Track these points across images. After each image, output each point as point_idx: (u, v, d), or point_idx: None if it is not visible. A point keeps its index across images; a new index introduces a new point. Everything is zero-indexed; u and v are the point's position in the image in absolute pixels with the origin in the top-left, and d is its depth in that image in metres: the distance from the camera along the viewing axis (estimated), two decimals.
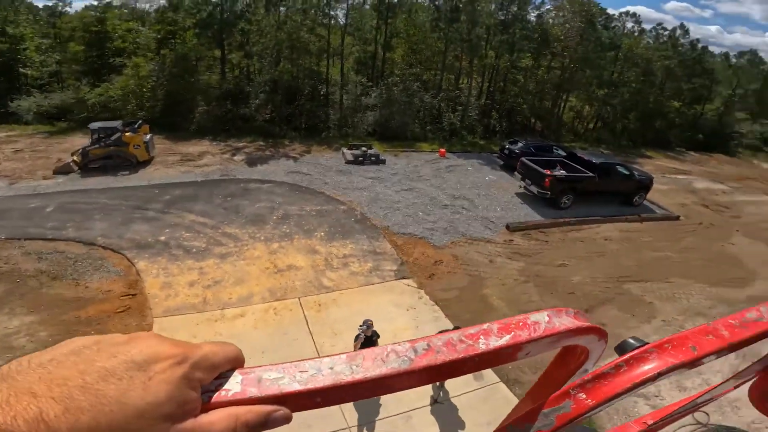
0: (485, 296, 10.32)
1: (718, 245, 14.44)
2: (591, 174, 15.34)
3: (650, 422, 1.05)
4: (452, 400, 7.29)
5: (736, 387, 1.03)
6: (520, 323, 0.48)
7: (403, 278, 10.61)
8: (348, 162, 17.49)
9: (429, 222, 13.47)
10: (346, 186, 15.38)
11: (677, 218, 16.29)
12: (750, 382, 0.97)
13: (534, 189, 15.24)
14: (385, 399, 6.98)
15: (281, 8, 21.84)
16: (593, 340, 0.53)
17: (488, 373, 7.78)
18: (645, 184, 16.36)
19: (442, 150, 20.12)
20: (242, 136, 19.52)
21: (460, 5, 23.21)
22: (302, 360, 0.41)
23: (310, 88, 21.94)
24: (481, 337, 0.46)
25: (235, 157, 17.36)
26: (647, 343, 0.53)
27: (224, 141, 18.89)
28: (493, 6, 25.23)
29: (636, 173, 16.52)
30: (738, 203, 19.04)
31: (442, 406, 7.18)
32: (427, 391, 7.37)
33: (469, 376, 8.02)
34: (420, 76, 24.53)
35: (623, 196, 16.16)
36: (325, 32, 22.59)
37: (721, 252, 14.01)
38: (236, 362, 0.41)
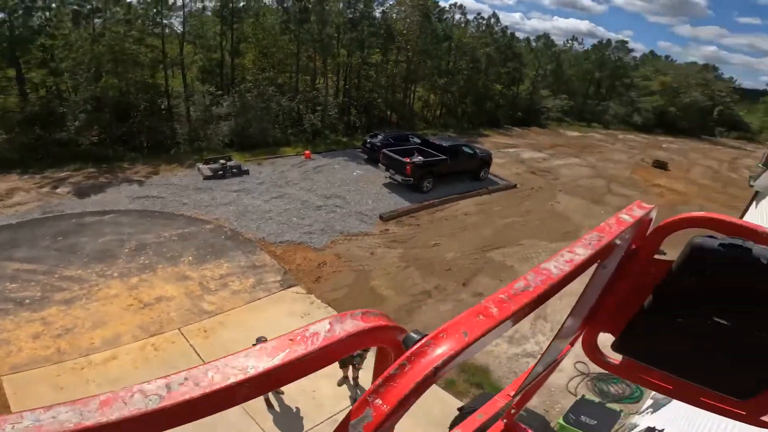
0: (374, 288, 10.70)
1: (549, 205, 17.53)
2: (443, 156, 17.04)
3: (512, 393, 1.21)
4: None
5: (572, 345, 1.25)
6: (298, 337, 0.47)
7: (290, 287, 10.40)
8: (206, 178, 16.09)
9: (305, 226, 13.32)
10: (209, 203, 14.18)
11: (515, 186, 19.26)
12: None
13: (398, 177, 16.32)
14: (305, 409, 6.80)
15: (96, 20, 18.73)
16: (395, 336, 0.52)
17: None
18: (486, 160, 18.89)
19: (307, 152, 19.99)
20: (63, 164, 16.25)
21: (309, 6, 23.16)
22: (22, 411, 0.35)
23: (147, 102, 19.39)
24: (252, 359, 0.43)
25: (58, 190, 14.42)
26: (425, 335, 0.51)
27: (39, 173, 15.50)
28: (342, 5, 25.82)
29: (478, 151, 18.94)
30: (555, 167, 23.35)
31: None
32: (344, 392, 7.40)
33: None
34: (275, 80, 23.79)
35: (471, 173, 18.40)
36: (158, 42, 20.17)
37: (552, 210, 17.05)
38: None
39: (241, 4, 24.35)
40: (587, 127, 40.41)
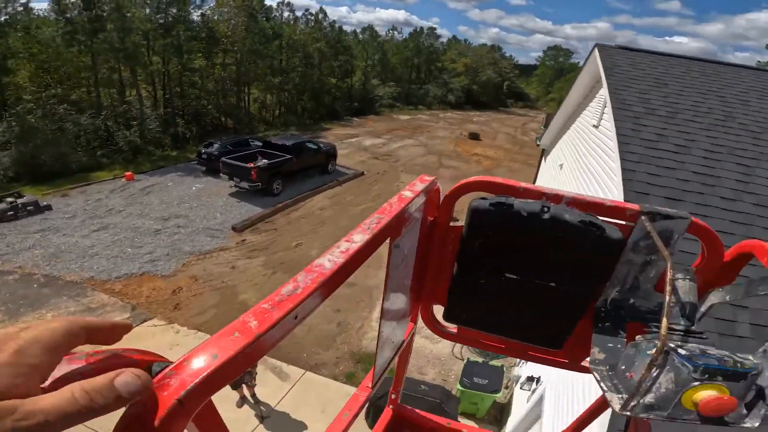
0: (244, 302, 10.04)
1: (395, 186, 18.91)
2: (289, 156, 16.79)
3: (369, 384, 1.21)
4: (276, 408, 7.12)
5: (414, 322, 1.26)
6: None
7: (145, 321, 9.12)
8: None
9: (144, 254, 11.63)
10: (4, 251, 11.19)
11: (362, 174, 20.21)
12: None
13: (245, 184, 15.46)
14: None
15: None
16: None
17: (291, 370, 7.91)
18: (332, 153, 19.31)
19: (129, 173, 17.28)
20: None
21: (104, 14, 19.64)
22: None
23: None
24: None
25: None
26: (168, 365, 0.44)
27: None
28: (148, 10, 22.64)
29: (322, 145, 19.21)
30: (394, 150, 25.27)
31: (271, 419, 6.90)
32: (248, 412, 6.84)
33: (275, 379, 7.81)
34: (66, 97, 19.70)
35: (319, 167, 18.59)
36: None
37: (399, 191, 18.45)
38: (74, 337, 0.38)
39: (3, 18, 19.61)
40: (415, 110, 44.62)
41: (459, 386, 6.89)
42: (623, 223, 0.92)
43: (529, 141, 29.16)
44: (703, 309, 0.91)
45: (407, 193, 0.87)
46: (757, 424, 0.69)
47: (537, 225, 0.90)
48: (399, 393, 1.57)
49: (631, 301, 0.98)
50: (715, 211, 3.95)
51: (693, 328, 0.86)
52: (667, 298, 0.73)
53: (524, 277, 0.98)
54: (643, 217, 0.89)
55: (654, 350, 0.68)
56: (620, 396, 0.73)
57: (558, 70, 69.21)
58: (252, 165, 15.43)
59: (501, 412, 7.23)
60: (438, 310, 1.18)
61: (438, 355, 8.76)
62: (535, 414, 5.72)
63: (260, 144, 18.61)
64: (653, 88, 5.93)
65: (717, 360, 0.69)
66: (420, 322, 1.27)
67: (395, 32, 56.23)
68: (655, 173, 4.35)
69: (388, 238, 0.77)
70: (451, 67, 55.15)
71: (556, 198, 0.93)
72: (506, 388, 7.49)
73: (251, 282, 10.92)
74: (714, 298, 0.91)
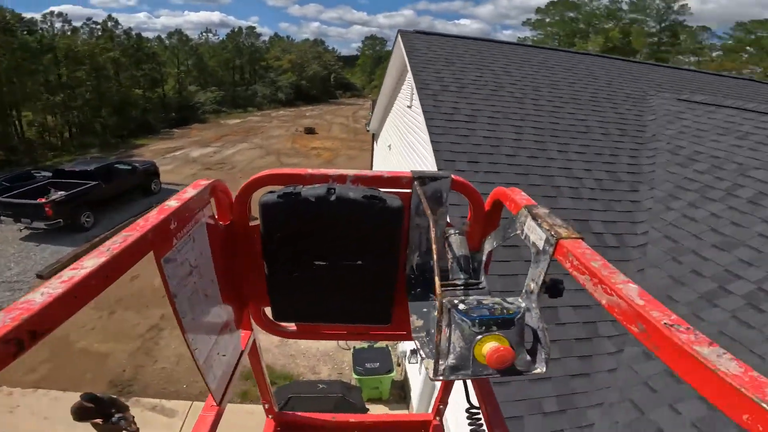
0: (84, 348, 8.39)
1: (232, 191, 17.68)
2: (94, 182, 14.08)
3: (214, 402, 1.10)
4: None
5: (239, 328, 1.15)
6: None
7: None
8: None
9: None
10: None
11: None
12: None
13: (41, 224, 12.46)
14: None
15: None
16: None
17: (175, 404, 6.64)
18: (152, 171, 16.95)
19: None
20: None
21: None
22: None
23: None
24: None
25: None
26: None
27: None
28: None
29: (138, 165, 16.68)
30: (228, 157, 23.58)
31: None
32: None
33: (159, 417, 6.71)
34: None
35: (140, 189, 16.19)
36: None
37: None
38: None
39: None
40: (244, 112, 42.38)
41: (354, 375, 6.98)
42: (404, 191, 0.98)
43: (362, 128, 30.69)
44: (483, 258, 0.99)
45: (171, 203, 0.77)
46: (544, 369, 0.74)
47: (326, 208, 0.91)
48: (272, 402, 1.52)
49: (431, 263, 1.03)
50: (503, 167, 4.74)
51: (472, 279, 0.93)
52: (435, 255, 0.76)
53: (332, 261, 0.98)
54: (415, 182, 0.96)
55: (435, 312, 0.71)
56: (434, 361, 0.75)
57: (377, 58, 74.16)
58: (44, 200, 12.46)
59: (402, 389, 7.54)
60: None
61: (326, 352, 8.71)
62: (430, 385, 6.04)
63: (49, 174, 15.15)
64: (445, 67, 6.76)
65: (488, 310, 0.74)
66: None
67: (210, 34, 52.38)
68: (456, 141, 4.98)
69: (151, 253, 0.69)
70: (277, 64, 54.03)
71: (341, 178, 0.95)
72: (398, 365, 7.84)
73: (86, 327, 9.05)
74: (488, 245, 0.99)
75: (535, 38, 44.88)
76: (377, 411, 6.94)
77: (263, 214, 0.93)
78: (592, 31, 43.46)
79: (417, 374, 6.81)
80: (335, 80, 63.09)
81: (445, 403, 1.51)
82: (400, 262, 1.02)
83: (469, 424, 1.10)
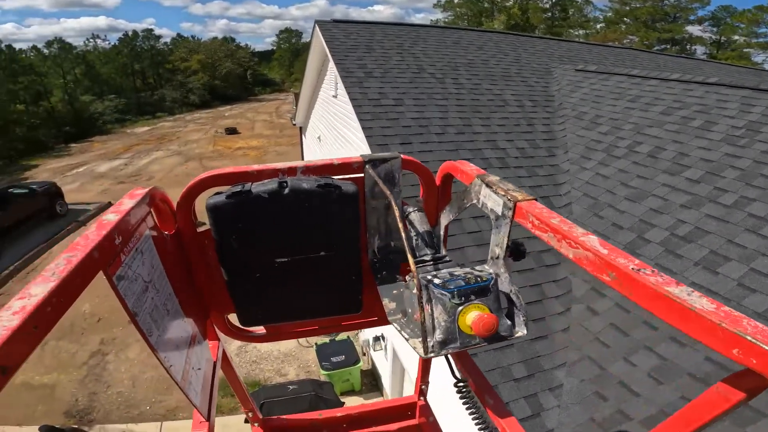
0: (26, 383, 7.58)
1: None
2: None
3: (202, 419, 1.05)
4: None
5: (206, 338, 1.11)
6: None
7: None
8: None
9: None
10: None
11: (110, 204, 16.68)
12: None
13: None
14: None
15: None
16: None
17: (143, 427, 6.06)
18: (54, 191, 15.14)
19: None
20: None
21: None
22: None
23: None
24: None
25: None
26: None
27: None
28: None
29: (36, 186, 14.81)
30: (143, 167, 21.69)
31: None
32: None
33: None
34: None
35: (44, 213, 14.45)
36: None
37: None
38: None
39: None
40: (154, 119, 39.09)
41: (323, 372, 6.90)
42: (356, 176, 0.98)
43: (287, 123, 29.83)
44: (441, 232, 1.03)
45: (110, 217, 0.70)
46: (525, 332, 0.77)
47: (280, 202, 0.88)
48: (253, 408, 1.46)
49: (393, 244, 1.06)
50: (434, 144, 4.92)
51: (438, 255, 0.95)
52: (403, 234, 0.78)
53: (294, 256, 0.96)
54: (367, 166, 0.96)
55: (416, 289, 0.73)
56: (420, 340, 0.75)
57: (294, 51, 71.94)
58: None
59: (373, 376, 7.57)
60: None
61: (288, 352, 8.50)
62: (399, 369, 6.11)
63: None
64: (366, 54, 6.77)
65: (463, 280, 0.76)
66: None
67: (98, 40, 47.41)
68: (387, 125, 5.06)
69: (101, 272, 0.63)
70: (184, 66, 50.25)
71: (291, 171, 0.92)
72: (364, 354, 7.85)
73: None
74: (444, 219, 1.02)
75: (446, 20, 46.35)
76: (353, 403, 6.98)
77: (213, 218, 0.88)
78: (496, 10, 45.81)
79: (384, 360, 6.92)
80: (252, 77, 60.26)
81: (427, 383, 1.55)
82: (361, 247, 1.03)
83: (461, 398, 1.13)
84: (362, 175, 0.99)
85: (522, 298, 0.80)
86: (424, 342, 0.74)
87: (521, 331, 0.78)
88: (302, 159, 16.82)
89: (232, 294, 1.00)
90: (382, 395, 7.19)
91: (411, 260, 0.73)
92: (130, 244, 0.71)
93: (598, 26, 43.58)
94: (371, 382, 7.56)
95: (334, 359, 6.96)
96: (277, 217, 0.90)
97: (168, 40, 57.90)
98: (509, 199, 0.77)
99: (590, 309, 3.34)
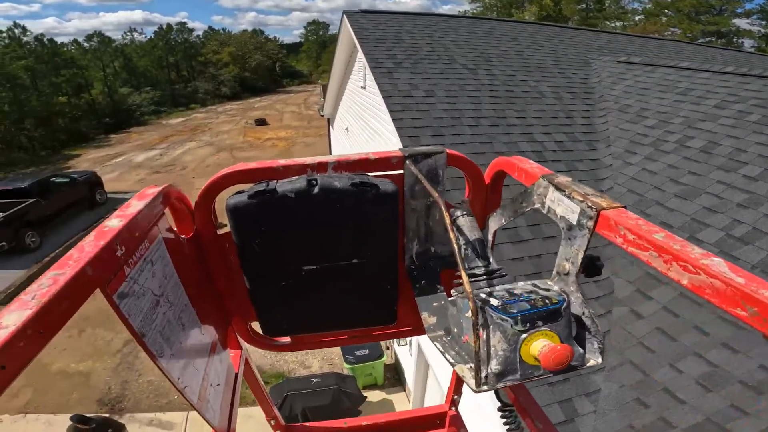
0: (62, 371, 7.88)
1: (191, 195, 16.81)
2: (31, 200, 12.94)
3: None
4: None
5: (226, 347, 1.04)
6: None
7: None
8: None
9: None
10: None
11: None
12: None
13: None
14: None
15: None
16: None
17: (172, 416, 6.32)
18: (95, 181, 15.82)
19: None
20: None
21: None
22: None
23: None
24: None
25: None
26: None
27: None
28: None
29: (77, 176, 15.48)
30: (177, 158, 22.34)
31: None
32: None
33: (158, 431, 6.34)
34: None
35: (85, 201, 15.14)
36: None
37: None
38: None
39: None
40: (187, 110, 40.21)
41: (346, 365, 6.93)
42: (394, 173, 0.88)
43: (315, 114, 30.02)
44: (490, 237, 0.91)
45: (113, 222, 0.60)
46: (600, 360, 0.67)
47: (309, 203, 0.78)
48: (277, 416, 1.41)
49: (433, 249, 0.96)
50: (466, 137, 4.76)
51: (492, 266, 0.83)
52: (455, 246, 0.66)
53: (324, 263, 0.86)
54: (407, 162, 0.86)
55: (469, 312, 0.62)
56: (469, 367, 0.66)
57: (321, 43, 72.28)
58: None
59: (396, 371, 7.54)
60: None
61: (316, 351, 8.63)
62: (423, 364, 6.03)
63: None
64: (395, 44, 6.64)
65: (528, 302, 0.65)
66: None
67: (135, 33, 49.13)
68: (418, 117, 4.93)
69: (98, 290, 0.54)
70: (216, 59, 51.42)
71: (321, 166, 0.83)
72: (387, 348, 7.85)
73: (58, 349, 8.53)
74: (493, 224, 0.90)
75: (474, 11, 45.33)
76: (374, 397, 6.96)
77: (234, 220, 0.80)
78: (527, 1, 44.39)
79: (408, 356, 6.87)
80: (281, 69, 61.03)
81: (460, 393, 1.46)
82: (398, 253, 0.93)
83: (505, 424, 1.03)
84: (401, 171, 0.88)
85: (598, 322, 0.68)
86: (477, 373, 0.63)
87: (595, 360, 0.67)
88: (330, 150, 16.84)
89: (254, 302, 0.93)
90: (404, 390, 7.14)
91: (465, 277, 0.63)
92: (137, 254, 0.62)
93: (637, 18, 41.64)
94: (394, 376, 7.51)
95: (358, 353, 6.95)
96: (305, 219, 0.81)
97: (200, 33, 59.42)
98: (590, 206, 0.64)
99: (634, 312, 3.14)
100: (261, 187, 0.78)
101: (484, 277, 0.81)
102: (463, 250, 0.86)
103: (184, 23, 52.85)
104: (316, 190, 0.78)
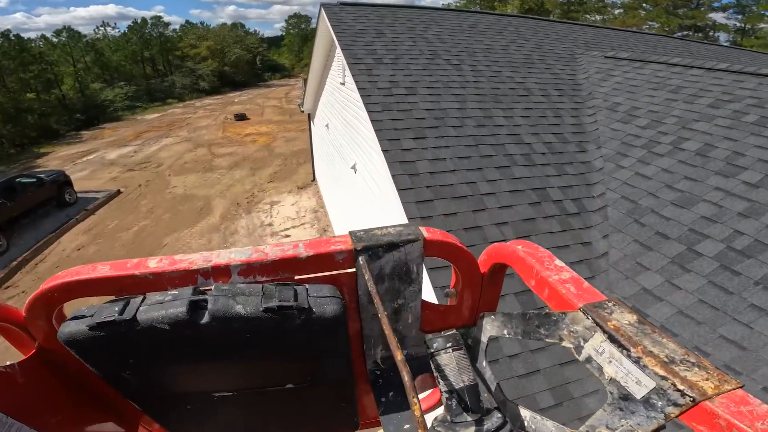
0: None
1: (167, 193, 16.24)
2: None
3: None
4: None
5: None
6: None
7: None
8: None
9: None
10: None
11: (119, 192, 16.59)
12: None
13: None
14: None
15: None
16: None
17: None
18: (63, 180, 15.12)
19: None
20: None
21: None
22: None
23: None
24: None
25: None
26: None
27: None
28: None
29: (44, 176, 14.78)
30: (152, 154, 21.56)
31: None
32: None
33: None
34: None
35: (52, 201, 14.50)
36: None
37: (174, 197, 15.92)
38: None
39: None
40: (164, 105, 39.06)
41: None
42: (347, 271, 0.62)
43: (296, 109, 29.44)
44: (484, 339, 0.66)
45: None
46: None
47: (197, 333, 0.51)
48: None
49: (405, 351, 0.71)
50: (451, 139, 4.47)
51: (487, 424, 0.56)
52: (416, 414, 0.42)
53: (240, 389, 0.62)
54: (360, 259, 0.58)
55: None
56: None
57: (303, 37, 71.10)
58: None
59: None
60: None
61: None
62: None
63: None
64: (376, 38, 6.29)
65: None
66: None
67: (108, 28, 47.66)
68: (398, 118, 4.62)
69: None
70: (194, 53, 50.04)
71: (221, 273, 0.54)
72: None
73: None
74: (490, 327, 0.65)
75: (458, 4, 45.07)
76: None
77: (77, 353, 0.54)
78: None
79: None
80: (262, 63, 59.76)
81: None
82: (357, 360, 0.70)
83: None
84: (353, 270, 0.60)
85: None
86: None
87: None
88: (311, 147, 16.40)
89: (155, 419, 0.67)
90: None
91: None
92: None
93: (616, 12, 42.04)
94: None
95: None
96: (196, 347, 0.53)
97: (177, 27, 57.87)
98: (683, 392, 0.37)
99: None
100: (111, 312, 0.50)
101: None
102: (444, 398, 0.57)
103: (160, 17, 51.27)
104: (205, 318, 0.50)
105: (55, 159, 21.70)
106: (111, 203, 15.66)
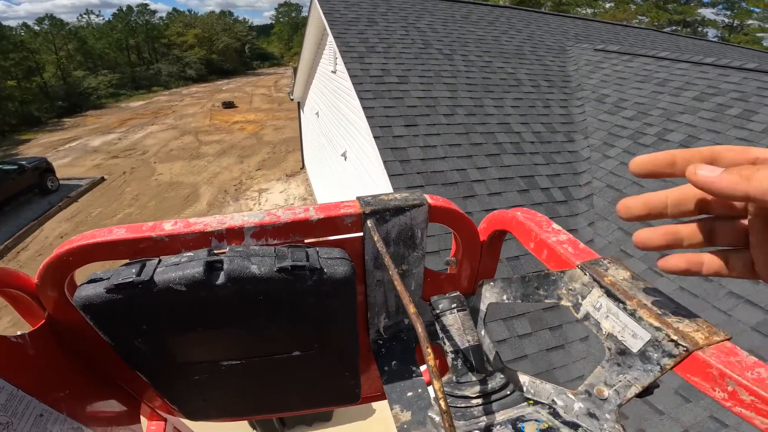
0: None
1: (153, 181, 15.99)
2: None
3: None
4: None
5: None
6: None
7: None
8: None
9: None
10: None
11: (102, 179, 16.28)
12: None
13: None
14: None
15: None
16: None
17: None
18: (44, 167, 14.74)
19: None
20: None
21: None
22: None
23: None
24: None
25: None
26: None
27: None
28: None
29: (25, 163, 14.41)
30: (137, 141, 21.16)
31: None
32: None
33: None
34: None
35: (34, 189, 14.20)
36: None
37: (160, 184, 15.69)
38: None
39: None
40: (149, 93, 38.27)
41: None
42: (354, 236, 0.62)
43: (285, 97, 29.10)
44: (483, 308, 0.68)
45: None
46: None
47: (212, 295, 0.51)
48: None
49: (407, 321, 0.73)
50: (442, 127, 4.50)
51: (491, 383, 0.57)
52: (429, 363, 0.42)
53: (249, 357, 0.63)
54: (368, 222, 0.59)
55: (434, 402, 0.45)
56: None
57: (293, 26, 70.05)
58: None
59: None
60: None
61: None
62: None
63: None
64: (368, 27, 6.25)
65: None
66: None
67: (92, 16, 46.42)
68: (390, 105, 4.62)
69: None
70: (181, 40, 48.98)
71: (234, 235, 0.54)
72: None
73: None
74: (489, 294, 0.67)
75: None
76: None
77: (91, 319, 0.54)
78: None
79: None
80: (251, 51, 58.77)
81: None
82: (359, 329, 0.70)
83: None
84: (354, 235, 0.61)
85: None
86: None
87: None
88: (300, 135, 16.28)
89: (160, 391, 0.68)
90: None
91: (446, 423, 0.39)
92: None
93: (607, 5, 42.31)
94: None
95: None
96: (208, 315, 0.54)
97: (164, 14, 56.59)
98: (673, 340, 0.40)
99: None
100: (129, 274, 0.50)
101: (480, 398, 0.55)
102: (449, 359, 0.59)
103: (146, 4, 50.00)
104: (220, 278, 0.51)
105: (36, 146, 21.17)
106: (94, 190, 15.37)
